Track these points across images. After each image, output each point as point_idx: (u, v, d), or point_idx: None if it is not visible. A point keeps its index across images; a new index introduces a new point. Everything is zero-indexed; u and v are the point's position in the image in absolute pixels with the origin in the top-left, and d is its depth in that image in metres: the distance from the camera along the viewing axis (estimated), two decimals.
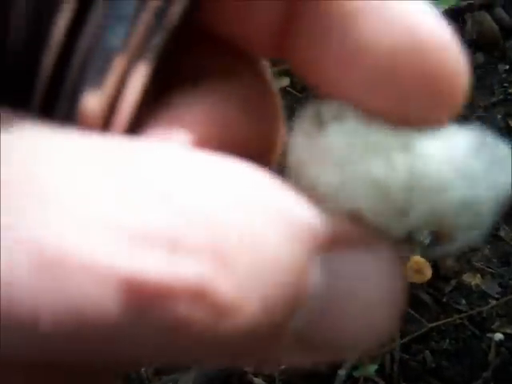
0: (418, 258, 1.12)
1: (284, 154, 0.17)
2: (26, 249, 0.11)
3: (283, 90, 1.54)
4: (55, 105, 0.14)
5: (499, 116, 1.39)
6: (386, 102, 0.15)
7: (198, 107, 0.16)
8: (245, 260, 0.13)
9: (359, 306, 0.15)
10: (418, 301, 1.14)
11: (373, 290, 0.15)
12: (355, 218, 0.15)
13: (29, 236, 0.11)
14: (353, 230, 0.15)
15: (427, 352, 1.11)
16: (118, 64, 0.14)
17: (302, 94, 1.54)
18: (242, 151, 0.15)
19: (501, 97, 1.43)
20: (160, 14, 0.14)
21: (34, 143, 0.12)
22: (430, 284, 1.16)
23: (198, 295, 0.12)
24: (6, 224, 0.11)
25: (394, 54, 0.15)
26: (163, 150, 0.13)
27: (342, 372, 1.07)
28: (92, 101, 0.14)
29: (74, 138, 0.13)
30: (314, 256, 0.14)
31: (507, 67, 1.48)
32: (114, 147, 0.13)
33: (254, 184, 0.13)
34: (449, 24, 0.16)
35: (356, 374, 1.08)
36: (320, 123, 0.16)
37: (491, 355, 1.09)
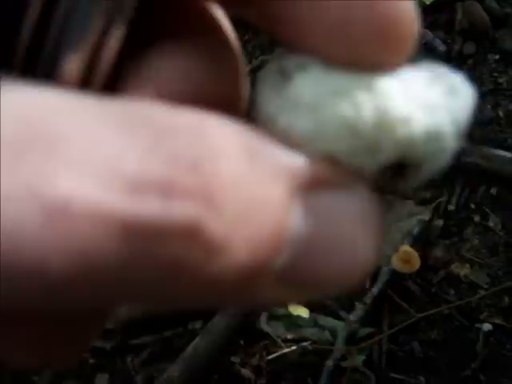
0: (406, 248, 1.11)
1: (249, 109, 0.18)
2: (32, 198, 0.12)
3: None
4: (36, 68, 0.15)
5: (489, 106, 1.39)
6: (344, 50, 0.16)
7: (170, 65, 0.17)
8: (231, 202, 0.14)
9: (341, 242, 0.16)
10: (407, 291, 1.14)
11: (352, 226, 0.16)
12: (330, 160, 0.16)
13: (36, 186, 0.12)
14: (329, 170, 0.16)
15: (415, 342, 1.11)
16: (94, 26, 0.15)
17: None
18: (213, 105, 0.16)
19: (491, 87, 1.43)
20: None
21: (30, 102, 0.13)
22: (418, 274, 1.16)
23: (191, 234, 0.13)
24: (14, 176, 0.12)
25: (347, 5, 0.16)
26: (146, 105, 0.14)
27: (329, 362, 1.06)
28: (72, 63, 0.15)
29: (65, 96, 0.14)
30: (295, 196, 0.15)
31: (497, 57, 1.48)
32: (105, 104, 0.14)
33: (233, 131, 0.14)
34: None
35: (344, 364, 1.08)
36: (285, 75, 0.17)
37: (479, 346, 1.09)
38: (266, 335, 1.12)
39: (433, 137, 0.16)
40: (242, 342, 1.13)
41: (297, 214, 0.15)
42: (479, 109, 1.34)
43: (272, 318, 1.14)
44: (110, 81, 0.16)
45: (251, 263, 0.14)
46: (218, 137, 0.14)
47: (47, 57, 0.15)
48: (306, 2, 0.16)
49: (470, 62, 1.48)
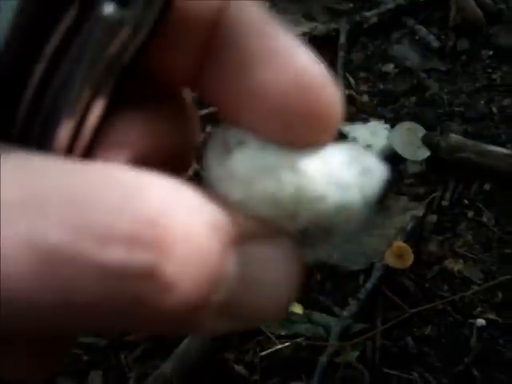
0: (400, 244, 1.11)
1: (201, 169, 0.22)
2: (28, 247, 0.16)
3: None
4: (30, 138, 0.19)
5: (482, 102, 1.39)
6: (279, 131, 0.20)
7: (135, 129, 0.21)
8: (180, 251, 0.17)
9: (265, 283, 0.20)
10: (400, 287, 1.14)
11: (273, 272, 0.20)
12: (260, 220, 0.20)
13: (31, 238, 0.16)
14: (258, 228, 0.20)
15: (409, 338, 1.10)
16: (81, 102, 0.18)
17: None
18: (168, 159, 0.21)
19: (484, 83, 1.43)
20: (114, 63, 0.18)
21: (26, 168, 0.17)
22: (412, 270, 1.16)
23: (149, 276, 0.17)
24: (14, 230, 0.16)
25: (284, 93, 0.20)
26: (114, 169, 0.18)
27: (323, 358, 1.06)
28: (60, 134, 0.19)
29: (52, 162, 0.17)
30: (229, 247, 0.19)
31: (491, 53, 1.48)
32: (82, 170, 0.18)
33: (183, 193, 0.18)
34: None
35: (337, 360, 1.07)
36: (226, 148, 0.20)
37: (473, 341, 1.09)
38: (260, 331, 1.12)
39: (342, 211, 0.20)
40: (235, 339, 1.13)
41: (231, 261, 0.19)
42: (473, 105, 1.34)
43: None
44: (91, 145, 0.20)
45: (195, 298, 0.18)
46: (169, 198, 0.18)
47: (40, 128, 0.19)
48: (247, 89, 0.20)
49: (464, 57, 1.48)
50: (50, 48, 0.18)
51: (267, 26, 0.20)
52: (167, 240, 0.17)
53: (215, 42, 0.20)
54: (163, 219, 0.17)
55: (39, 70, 0.18)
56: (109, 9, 0.17)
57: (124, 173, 0.18)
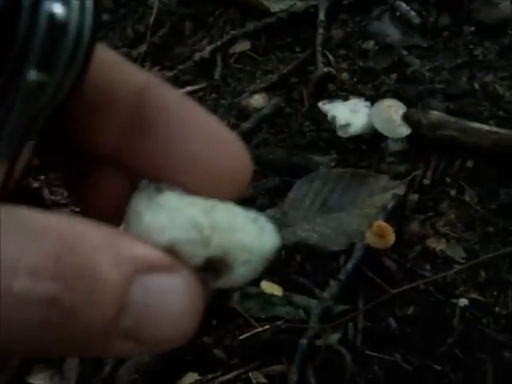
0: (381, 223, 1.08)
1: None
2: None
3: (244, 54, 1.50)
4: None
5: (464, 78, 1.36)
6: (197, 185, 0.25)
7: (102, 187, 0.27)
8: (85, 282, 0.20)
9: (166, 311, 0.22)
10: (382, 267, 1.11)
11: (174, 301, 0.22)
12: (170, 250, 0.23)
13: None
14: (164, 259, 0.23)
15: (391, 319, 1.08)
16: (13, 149, 0.22)
17: (262, 57, 1.49)
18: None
19: (466, 59, 1.40)
20: (37, 116, 0.22)
21: None
22: (393, 250, 1.13)
23: (51, 303, 0.20)
24: None
25: (211, 160, 0.25)
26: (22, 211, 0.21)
27: (303, 341, 1.04)
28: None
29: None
30: (133, 276, 0.21)
31: (473, 29, 1.45)
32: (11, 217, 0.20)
33: (89, 229, 0.21)
34: None
35: (318, 343, 1.05)
36: (159, 190, 0.25)
37: (456, 321, 1.07)
38: (239, 315, 1.10)
39: (244, 256, 0.24)
40: (214, 322, 1.10)
41: (134, 289, 0.21)
42: (455, 81, 1.31)
43: (245, 297, 1.11)
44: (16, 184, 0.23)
45: (101, 321, 0.21)
46: (74, 234, 0.21)
47: None
48: (179, 157, 0.25)
49: (446, 34, 1.46)
50: None
51: (186, 102, 0.25)
52: (73, 274, 0.20)
53: (141, 116, 0.25)
54: (69, 257, 0.20)
55: None
56: (32, 75, 0.21)
57: (34, 213, 0.21)
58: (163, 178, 0.25)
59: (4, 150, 0.22)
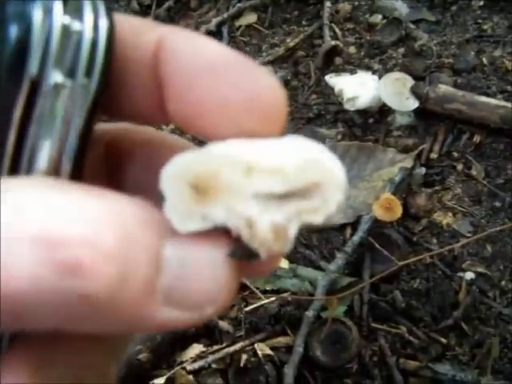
0: (388, 196, 1.08)
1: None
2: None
3: (250, 27, 1.49)
4: (18, 168, 0.23)
5: (472, 53, 1.35)
6: (246, 126, 0.24)
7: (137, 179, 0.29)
8: (118, 245, 0.20)
9: (204, 273, 0.22)
10: (388, 239, 1.11)
11: (211, 262, 0.22)
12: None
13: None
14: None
15: (397, 292, 1.08)
16: (56, 135, 0.23)
17: (268, 30, 1.47)
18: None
19: (475, 33, 1.39)
20: (70, 118, 0.23)
21: (16, 195, 0.20)
22: (400, 223, 1.13)
23: (77, 269, 0.20)
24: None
25: (243, 103, 0.24)
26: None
27: (309, 313, 1.04)
28: (43, 162, 0.23)
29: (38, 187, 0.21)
30: (163, 239, 0.22)
31: (481, 3, 1.44)
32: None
33: (112, 200, 0.22)
34: None
35: (324, 315, 1.05)
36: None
37: (462, 294, 1.07)
38: (245, 286, 1.10)
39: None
40: None
41: (167, 249, 0.22)
42: (463, 56, 1.30)
43: None
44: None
45: (139, 281, 0.21)
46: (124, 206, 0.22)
47: (26, 160, 0.23)
48: (211, 101, 0.24)
49: (454, 8, 1.44)
50: (15, 117, 0.22)
51: (209, 43, 0.24)
52: (102, 241, 0.20)
53: (163, 69, 0.24)
54: (91, 228, 0.20)
55: (12, 132, 0.23)
56: (58, 78, 0.22)
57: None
58: (204, 128, 0.24)
59: (47, 139, 0.23)
